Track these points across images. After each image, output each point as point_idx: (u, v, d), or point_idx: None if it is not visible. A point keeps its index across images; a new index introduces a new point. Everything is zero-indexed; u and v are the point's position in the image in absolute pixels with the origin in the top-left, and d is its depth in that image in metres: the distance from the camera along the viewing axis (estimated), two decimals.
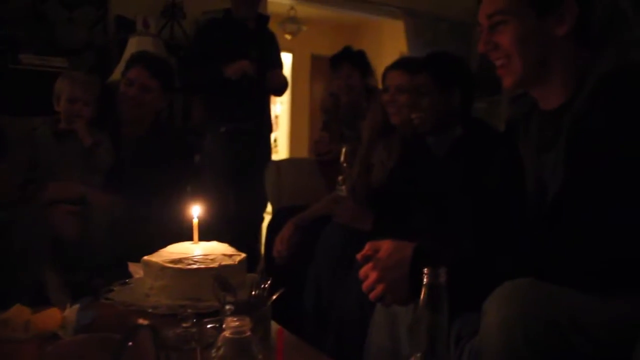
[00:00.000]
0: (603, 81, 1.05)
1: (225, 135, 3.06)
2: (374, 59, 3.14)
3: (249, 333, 0.80)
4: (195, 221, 1.45)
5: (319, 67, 7.13)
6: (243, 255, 1.45)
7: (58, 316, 1.26)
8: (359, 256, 1.16)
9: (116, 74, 3.04)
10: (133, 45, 3.25)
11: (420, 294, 0.88)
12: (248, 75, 2.89)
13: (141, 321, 0.92)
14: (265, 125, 3.26)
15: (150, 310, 1.29)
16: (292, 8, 6.02)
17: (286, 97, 7.03)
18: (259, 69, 2.96)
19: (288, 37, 6.46)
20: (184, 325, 1.21)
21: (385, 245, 1.11)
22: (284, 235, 2.21)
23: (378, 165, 2.25)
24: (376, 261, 1.10)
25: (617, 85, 1.03)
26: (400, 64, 2.21)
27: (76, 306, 1.29)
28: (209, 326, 1.14)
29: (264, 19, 3.29)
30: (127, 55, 3.08)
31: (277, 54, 3.27)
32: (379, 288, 1.09)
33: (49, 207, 1.96)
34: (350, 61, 2.73)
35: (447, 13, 5.03)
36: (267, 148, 3.27)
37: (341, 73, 2.70)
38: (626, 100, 1.01)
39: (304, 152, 7.12)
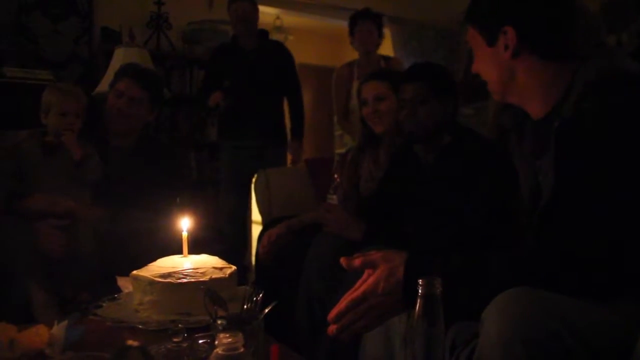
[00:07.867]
0: (587, 88, 1.10)
1: (231, 150, 3.41)
2: None
3: (242, 349, 0.78)
4: (184, 234, 1.43)
5: (306, 75, 7.11)
6: (233, 267, 1.43)
7: (45, 334, 1.21)
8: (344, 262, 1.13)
9: (102, 86, 3.02)
10: (119, 57, 3.22)
11: (413, 303, 0.87)
12: (220, 104, 3.23)
13: (130, 342, 0.90)
14: (276, 140, 3.46)
15: (140, 327, 1.27)
16: (278, 18, 6.02)
17: None
18: (251, 89, 3.22)
19: None
20: (175, 340, 1.18)
21: (376, 273, 1.07)
22: (272, 233, 2.18)
23: (367, 175, 2.25)
24: (366, 294, 1.07)
25: (600, 91, 1.07)
26: (374, 76, 2.28)
27: (64, 323, 1.23)
28: (200, 341, 1.12)
29: (264, 34, 3.43)
30: (114, 66, 3.06)
31: (285, 64, 3.43)
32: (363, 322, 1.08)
33: (35, 221, 1.92)
34: (369, 19, 3.29)
35: (433, 21, 5.05)
36: (278, 160, 3.42)
37: (363, 27, 3.29)
38: (610, 105, 1.04)
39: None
